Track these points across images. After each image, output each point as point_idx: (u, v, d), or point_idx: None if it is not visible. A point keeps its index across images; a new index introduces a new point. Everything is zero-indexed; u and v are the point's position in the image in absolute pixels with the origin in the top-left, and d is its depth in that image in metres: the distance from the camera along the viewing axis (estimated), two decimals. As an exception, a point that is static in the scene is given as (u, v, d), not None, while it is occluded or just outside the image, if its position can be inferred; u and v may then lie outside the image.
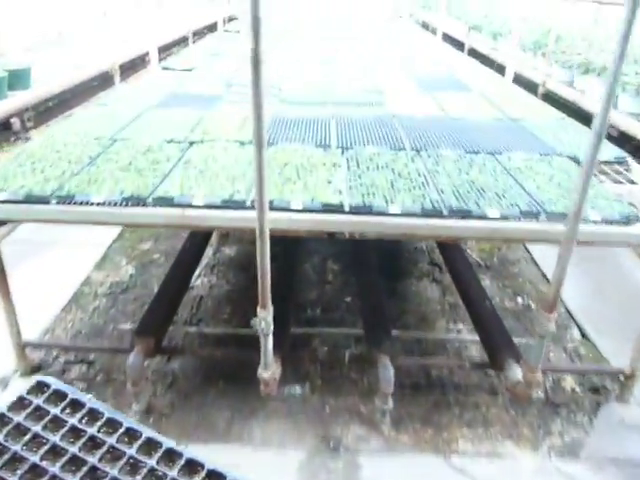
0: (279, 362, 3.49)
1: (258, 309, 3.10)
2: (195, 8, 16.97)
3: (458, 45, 13.12)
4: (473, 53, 12.11)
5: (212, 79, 6.57)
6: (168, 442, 1.91)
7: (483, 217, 3.23)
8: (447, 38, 12.72)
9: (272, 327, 3.14)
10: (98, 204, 3.21)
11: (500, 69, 10.58)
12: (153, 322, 3.99)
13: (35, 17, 9.73)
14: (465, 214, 3.24)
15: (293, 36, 10.82)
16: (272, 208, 3.00)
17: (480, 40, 12.64)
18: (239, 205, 3.21)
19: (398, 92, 6.21)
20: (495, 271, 5.97)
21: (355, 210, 3.22)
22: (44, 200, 3.21)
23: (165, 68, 7.33)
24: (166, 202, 3.22)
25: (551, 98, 8.86)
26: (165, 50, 13.65)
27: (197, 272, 5.47)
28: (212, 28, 15.64)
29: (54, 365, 4.36)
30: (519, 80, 8.55)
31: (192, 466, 1.83)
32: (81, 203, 3.22)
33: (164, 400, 4.03)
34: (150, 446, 1.88)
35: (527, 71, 9.18)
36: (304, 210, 3.21)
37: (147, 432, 1.94)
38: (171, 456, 1.86)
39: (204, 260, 5.81)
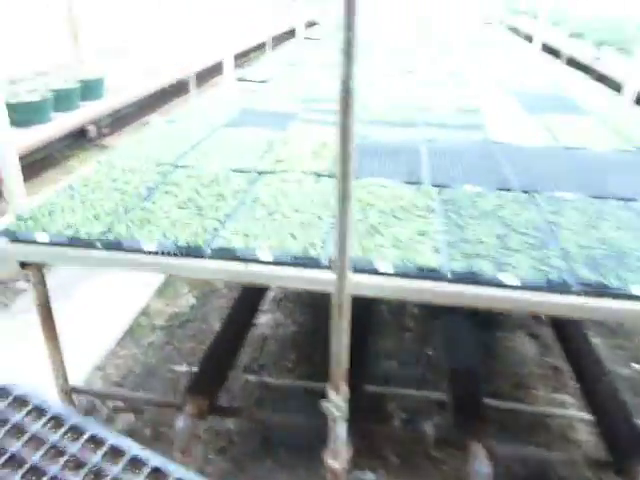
0: (351, 449, 2.87)
1: (329, 390, 2.51)
2: (274, 13, 16.70)
3: (557, 55, 12.00)
4: (576, 65, 11.00)
5: (288, 93, 6.05)
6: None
7: (625, 295, 2.47)
8: (545, 47, 11.64)
9: (346, 413, 2.54)
10: (150, 252, 2.71)
11: (611, 84, 9.47)
12: (208, 379, 3.48)
13: (113, 20, 9.70)
14: (601, 290, 2.49)
15: (376, 45, 10.18)
16: (354, 269, 2.38)
17: (583, 50, 11.48)
18: (313, 263, 2.62)
19: (497, 112, 5.43)
20: (602, 325, 5.07)
21: (458, 277, 2.55)
22: (89, 244, 2.75)
23: (240, 79, 6.90)
24: (227, 254, 2.68)
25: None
26: (243, 56, 13.42)
27: (262, 307, 4.97)
28: (292, 33, 15.27)
29: (101, 410, 3.97)
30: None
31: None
32: (131, 250, 2.73)
33: (214, 467, 3.52)
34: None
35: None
36: (394, 274, 2.57)
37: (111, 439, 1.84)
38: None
39: (270, 293, 5.30)
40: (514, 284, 2.51)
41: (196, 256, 2.70)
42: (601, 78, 9.98)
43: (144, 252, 2.72)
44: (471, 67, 7.99)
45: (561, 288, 2.50)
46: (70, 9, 8.88)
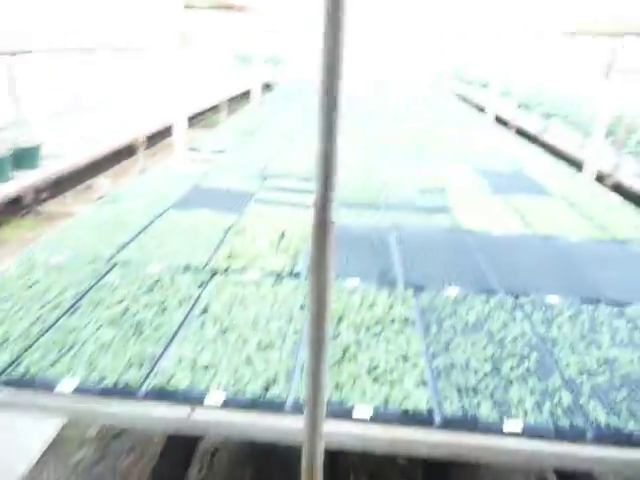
0: None
1: None
2: (230, 74, 16.61)
3: (506, 124, 12.26)
4: (525, 135, 11.21)
5: (244, 167, 5.66)
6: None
7: (646, 441, 2.08)
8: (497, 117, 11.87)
9: None
10: (65, 394, 2.15)
11: (559, 155, 9.61)
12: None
13: (57, 81, 9.21)
14: (619, 439, 2.10)
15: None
16: (326, 414, 1.89)
17: (531, 121, 11.74)
18: (276, 407, 2.12)
19: (463, 193, 5.18)
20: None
21: (451, 423, 2.10)
22: (-10, 382, 2.16)
23: (192, 149, 6.48)
24: (168, 396, 2.15)
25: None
26: (197, 117, 13.09)
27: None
28: (248, 95, 15.14)
29: None
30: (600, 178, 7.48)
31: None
32: (45, 389, 2.16)
33: None
34: None
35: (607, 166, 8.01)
36: (374, 419, 2.10)
37: None
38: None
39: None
40: (517, 431, 2.08)
41: (128, 397, 2.16)
42: (546, 147, 10.20)
43: (59, 394, 2.16)
44: (429, 137, 7.88)
45: (571, 435, 2.09)
46: (10, 68, 8.35)
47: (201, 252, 3.44)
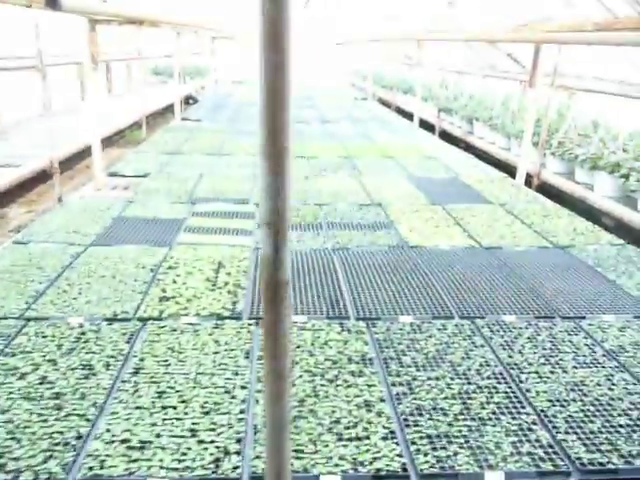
0: None
1: None
2: (148, 88, 15.89)
3: (432, 128, 12.45)
4: (448, 136, 11.41)
5: (171, 191, 5.28)
6: None
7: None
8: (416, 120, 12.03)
9: None
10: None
11: (483, 156, 9.80)
12: None
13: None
14: (605, 477, 1.97)
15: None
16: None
17: (455, 124, 11.98)
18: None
19: (402, 205, 5.06)
20: None
21: (430, 481, 1.89)
22: None
23: (112, 174, 6.01)
24: (98, 486, 1.80)
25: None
26: (116, 136, 12.40)
27: None
28: (169, 109, 14.52)
29: None
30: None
31: None
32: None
33: None
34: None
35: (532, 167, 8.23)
36: (344, 488, 1.86)
37: None
38: None
39: None
40: (501, 484, 1.90)
41: (50, 494, 1.79)
42: (469, 148, 10.42)
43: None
44: (358, 145, 7.77)
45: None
46: None
47: (128, 297, 3.08)
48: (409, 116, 13.33)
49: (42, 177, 9.36)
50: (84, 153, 10.24)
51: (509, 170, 7.75)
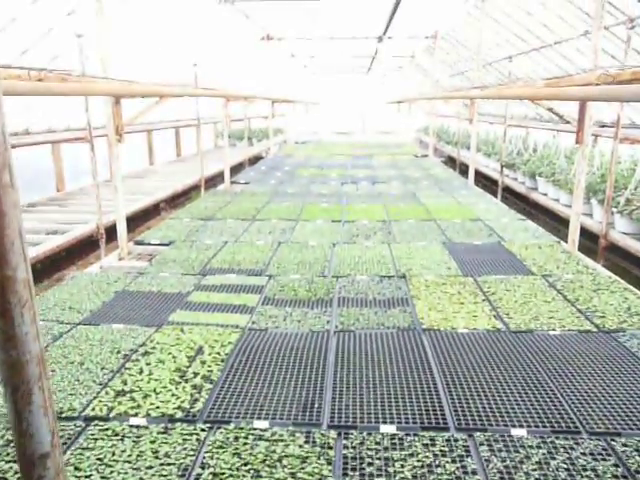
0: None
1: None
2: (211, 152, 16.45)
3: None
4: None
5: (187, 260, 5.10)
6: None
7: None
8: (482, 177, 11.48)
9: None
10: None
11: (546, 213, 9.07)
12: None
13: None
14: None
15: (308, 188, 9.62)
16: None
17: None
18: None
19: (429, 277, 4.57)
20: None
21: None
22: None
23: (139, 242, 5.97)
24: None
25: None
26: (181, 196, 12.74)
27: None
28: (236, 170, 14.85)
29: None
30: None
31: None
32: None
33: None
34: None
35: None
36: None
37: None
38: None
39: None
40: None
41: None
42: (534, 205, 9.70)
43: None
44: (404, 207, 7.36)
45: None
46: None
47: (85, 390, 2.81)
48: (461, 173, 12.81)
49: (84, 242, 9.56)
50: (139, 216, 10.52)
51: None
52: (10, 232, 0.94)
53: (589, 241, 7.30)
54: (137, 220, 10.01)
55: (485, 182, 12.85)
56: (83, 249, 9.52)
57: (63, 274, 8.52)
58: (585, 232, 7.12)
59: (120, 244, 5.60)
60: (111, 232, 7.75)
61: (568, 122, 5.09)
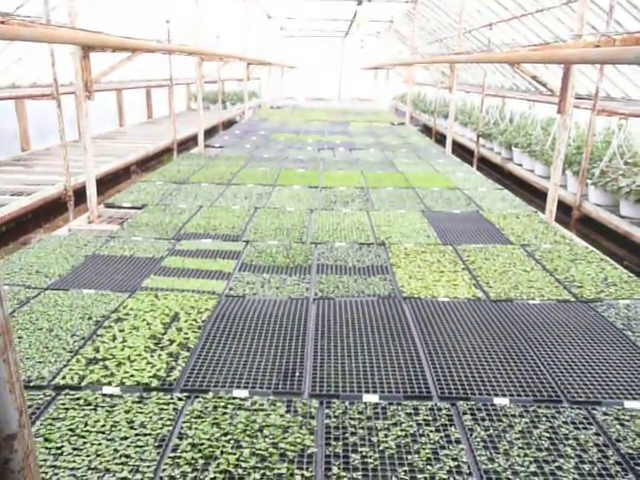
0: None
1: None
2: (185, 115, 15.94)
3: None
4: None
5: (160, 224, 4.94)
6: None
7: None
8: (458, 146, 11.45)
9: None
10: None
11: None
12: None
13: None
14: None
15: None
16: None
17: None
18: None
19: (408, 245, 4.52)
20: None
21: None
22: None
23: (109, 205, 5.76)
24: None
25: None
26: (152, 159, 12.38)
27: None
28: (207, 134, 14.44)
29: None
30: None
31: None
32: None
33: None
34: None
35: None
36: None
37: None
38: None
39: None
40: None
41: None
42: (509, 176, 9.73)
43: None
44: (381, 174, 7.26)
45: None
46: None
47: (55, 357, 2.68)
48: (438, 141, 12.77)
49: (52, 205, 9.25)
50: (110, 178, 10.20)
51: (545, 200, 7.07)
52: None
53: (562, 212, 7.36)
54: (107, 183, 9.70)
55: (460, 152, 12.83)
56: (50, 211, 9.21)
57: (29, 237, 8.23)
58: (559, 204, 7.16)
59: (90, 206, 5.38)
60: (80, 194, 7.49)
61: (552, 90, 5.02)
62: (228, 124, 15.89)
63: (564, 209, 7.45)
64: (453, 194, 6.37)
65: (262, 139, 10.97)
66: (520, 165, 9.91)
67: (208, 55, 9.05)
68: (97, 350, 2.74)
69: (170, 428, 2.20)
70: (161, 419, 2.25)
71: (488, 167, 11.29)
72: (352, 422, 2.27)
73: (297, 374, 2.59)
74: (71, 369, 2.57)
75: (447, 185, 6.85)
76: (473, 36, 13.91)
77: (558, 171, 5.39)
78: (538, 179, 8.94)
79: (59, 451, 2.05)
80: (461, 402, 2.42)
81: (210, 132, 13.73)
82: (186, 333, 2.94)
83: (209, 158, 8.54)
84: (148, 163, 11.56)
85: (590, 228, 7.20)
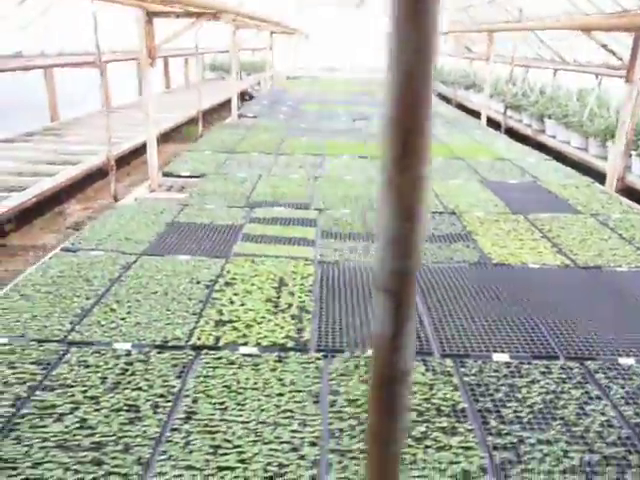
0: None
1: None
2: (205, 84, 15.79)
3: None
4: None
5: (228, 193, 4.97)
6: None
7: None
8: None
9: None
10: None
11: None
12: None
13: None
14: None
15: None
16: None
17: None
18: None
19: (479, 214, 4.57)
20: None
21: None
22: None
23: (167, 174, 5.77)
24: None
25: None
26: (173, 131, 12.32)
27: None
28: (225, 106, 14.31)
29: None
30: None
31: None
32: None
33: None
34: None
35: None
36: None
37: None
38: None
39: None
40: None
41: None
42: (540, 148, 9.72)
43: None
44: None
45: None
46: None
47: (181, 319, 2.75)
48: (471, 113, 12.70)
49: (99, 174, 9.29)
50: (142, 149, 10.16)
51: (586, 172, 7.08)
52: None
53: (601, 184, 7.39)
54: (129, 155, 9.68)
55: (487, 124, 12.74)
56: (82, 183, 9.20)
57: (63, 207, 8.26)
58: (598, 174, 7.16)
59: (151, 175, 5.39)
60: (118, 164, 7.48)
61: (620, 59, 5.00)
62: (241, 96, 15.71)
63: (602, 180, 7.48)
64: (504, 165, 6.39)
65: (292, 110, 10.90)
66: (554, 137, 9.89)
67: (244, 20, 8.88)
68: (221, 313, 2.80)
69: (320, 385, 2.27)
70: (307, 377, 2.32)
71: (515, 139, 11.26)
72: (491, 379, 2.35)
73: (422, 336, 2.66)
74: (202, 330, 2.64)
75: (495, 156, 6.86)
76: (498, 4, 13.69)
77: (621, 141, 5.40)
78: (574, 150, 8.92)
79: (224, 406, 2.12)
80: (588, 362, 2.49)
81: (227, 104, 13.61)
82: (300, 297, 3.00)
83: (247, 128, 8.51)
84: (169, 135, 11.51)
85: (632, 199, 7.22)
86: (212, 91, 13.91)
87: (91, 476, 1.76)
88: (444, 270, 3.45)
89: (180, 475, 1.78)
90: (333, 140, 7.59)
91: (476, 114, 12.04)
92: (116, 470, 1.79)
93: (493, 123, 12.82)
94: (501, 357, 2.52)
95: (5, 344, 2.48)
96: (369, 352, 2.51)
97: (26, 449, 1.87)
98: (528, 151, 7.41)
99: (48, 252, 5.51)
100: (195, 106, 10.50)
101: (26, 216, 7.82)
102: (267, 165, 6.07)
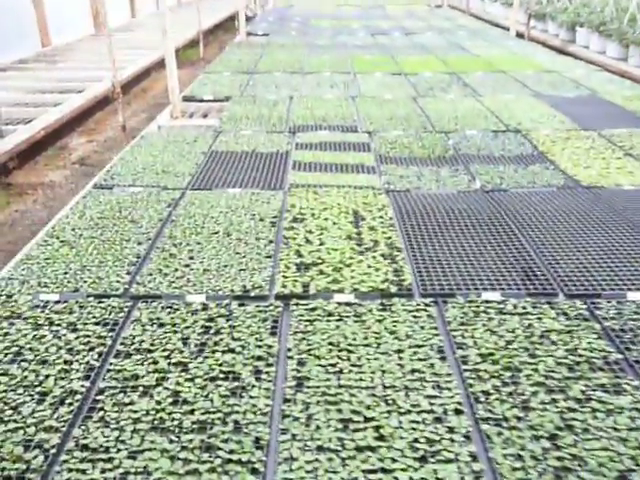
0: None
1: None
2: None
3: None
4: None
5: (262, 117, 4.46)
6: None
7: None
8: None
9: None
10: None
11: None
12: None
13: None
14: None
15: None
16: None
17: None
18: None
19: (546, 132, 4.10)
20: None
21: None
22: None
23: (188, 99, 5.21)
24: None
25: None
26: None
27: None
28: (221, 26, 13.27)
29: None
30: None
31: None
32: None
33: None
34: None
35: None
36: None
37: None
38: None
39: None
40: None
41: None
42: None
43: None
44: (460, 58, 6.64)
45: None
46: None
47: (256, 263, 2.36)
48: (487, 23, 11.83)
49: (103, 103, 8.61)
50: (142, 75, 9.43)
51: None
52: None
53: None
54: (139, 78, 8.96)
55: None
56: (86, 113, 8.55)
57: (65, 142, 7.67)
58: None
59: (172, 100, 4.83)
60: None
61: None
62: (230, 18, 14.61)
63: None
64: (553, 77, 5.82)
65: (303, 26, 10.08)
66: (586, 47, 9.17)
67: None
68: (299, 254, 2.41)
69: (440, 338, 1.92)
70: (423, 328, 1.97)
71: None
72: (637, 323, 2.00)
73: (538, 274, 2.29)
74: (285, 276, 2.26)
75: (539, 68, 6.27)
76: None
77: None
78: (611, 61, 8.26)
79: (336, 369, 1.77)
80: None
81: (225, 23, 12.61)
82: (384, 232, 2.60)
83: (262, 46, 7.80)
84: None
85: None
86: (206, 10, 12.86)
87: (206, 466, 1.43)
88: (531, 195, 3.04)
89: (315, 460, 1.45)
90: (358, 56, 6.94)
91: (491, 24, 11.19)
92: (233, 457, 1.46)
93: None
94: (637, 296, 2.16)
95: (58, 301, 2.10)
96: (488, 296, 2.15)
97: (117, 433, 1.53)
98: (573, 62, 6.80)
99: (57, 190, 5.04)
100: (194, 26, 9.63)
101: (28, 152, 7.24)
102: (295, 85, 5.50)
